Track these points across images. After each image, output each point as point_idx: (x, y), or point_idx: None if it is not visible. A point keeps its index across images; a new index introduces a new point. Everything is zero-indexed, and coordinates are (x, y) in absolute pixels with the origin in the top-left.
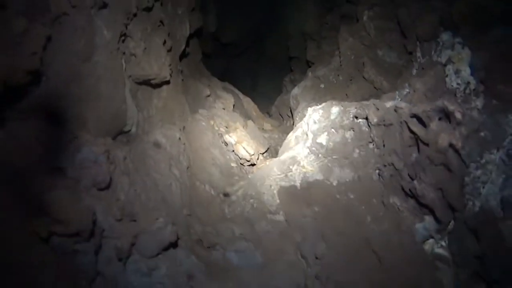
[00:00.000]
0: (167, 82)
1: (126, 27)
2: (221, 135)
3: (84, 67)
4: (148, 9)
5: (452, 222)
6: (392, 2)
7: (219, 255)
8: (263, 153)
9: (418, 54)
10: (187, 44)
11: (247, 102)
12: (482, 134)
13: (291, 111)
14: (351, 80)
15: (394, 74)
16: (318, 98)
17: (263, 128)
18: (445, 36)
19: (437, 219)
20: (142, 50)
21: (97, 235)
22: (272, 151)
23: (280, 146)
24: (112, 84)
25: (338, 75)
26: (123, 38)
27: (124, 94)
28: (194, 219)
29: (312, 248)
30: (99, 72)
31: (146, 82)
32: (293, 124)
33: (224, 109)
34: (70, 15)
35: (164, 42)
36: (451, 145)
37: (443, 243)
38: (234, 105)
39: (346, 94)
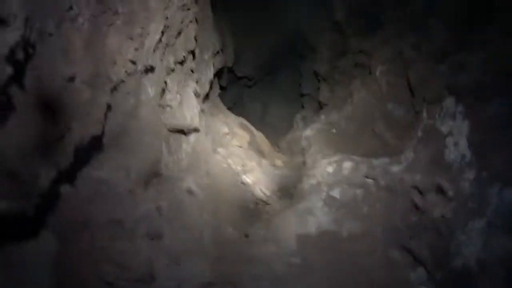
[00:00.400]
0: (197, 130)
1: (166, 83)
2: (238, 175)
3: (131, 122)
4: (182, 62)
5: (439, 275)
6: (403, 62)
7: None
8: (279, 192)
9: (424, 114)
10: (210, 86)
11: (260, 137)
12: (469, 205)
13: (302, 150)
14: (362, 130)
15: (401, 130)
16: (330, 143)
17: (274, 164)
18: (449, 103)
19: (427, 271)
20: (178, 103)
21: (155, 279)
22: (284, 189)
23: (291, 183)
24: (153, 135)
25: (350, 124)
26: (162, 93)
27: (161, 143)
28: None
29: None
30: (143, 126)
31: (179, 131)
32: (303, 163)
33: (240, 147)
34: (125, 82)
35: (195, 91)
36: (442, 216)
37: None
38: (248, 142)
39: (357, 145)
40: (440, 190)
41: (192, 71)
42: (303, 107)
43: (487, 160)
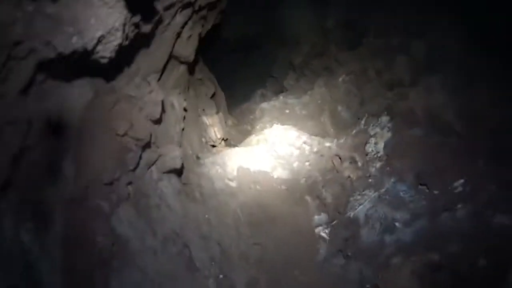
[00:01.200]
0: None
1: None
2: (200, 115)
3: None
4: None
5: (336, 220)
6: (364, 80)
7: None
8: (225, 140)
9: (362, 122)
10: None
11: (221, 96)
12: (370, 180)
13: (252, 119)
14: (311, 116)
15: (341, 127)
16: (281, 118)
17: (225, 122)
18: (385, 119)
19: (328, 215)
20: None
21: None
22: (229, 142)
23: (234, 141)
24: None
25: (302, 109)
26: None
27: None
28: None
29: (247, 212)
30: None
31: None
32: (250, 129)
33: (206, 95)
34: None
35: None
36: (348, 177)
37: (326, 231)
38: (213, 95)
39: (304, 125)
40: (354, 161)
41: None
42: (265, 86)
43: (390, 159)
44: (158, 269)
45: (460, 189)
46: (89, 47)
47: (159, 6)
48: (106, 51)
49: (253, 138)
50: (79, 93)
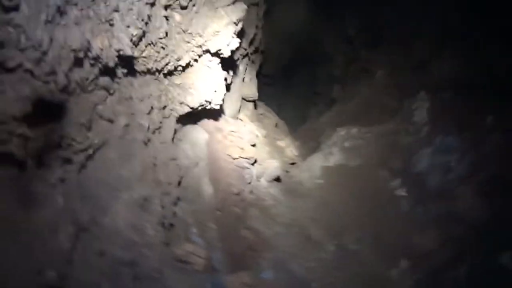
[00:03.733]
0: None
1: None
2: (275, 139)
3: None
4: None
5: (406, 179)
6: (396, 70)
7: None
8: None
9: (406, 103)
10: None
11: (282, 123)
12: (423, 141)
13: (315, 135)
14: (365, 112)
15: (389, 113)
16: (340, 124)
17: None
18: (421, 95)
19: (401, 178)
20: None
21: None
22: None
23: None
24: None
25: (355, 110)
26: None
27: None
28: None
29: (338, 195)
30: None
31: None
32: (317, 145)
33: (270, 125)
34: None
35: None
36: (408, 143)
37: (404, 190)
38: (274, 124)
39: (360, 122)
40: (407, 132)
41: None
42: (315, 104)
43: (436, 122)
44: (284, 244)
45: (489, 123)
46: (208, 99)
47: (237, 60)
48: (217, 100)
49: (325, 143)
50: (200, 133)
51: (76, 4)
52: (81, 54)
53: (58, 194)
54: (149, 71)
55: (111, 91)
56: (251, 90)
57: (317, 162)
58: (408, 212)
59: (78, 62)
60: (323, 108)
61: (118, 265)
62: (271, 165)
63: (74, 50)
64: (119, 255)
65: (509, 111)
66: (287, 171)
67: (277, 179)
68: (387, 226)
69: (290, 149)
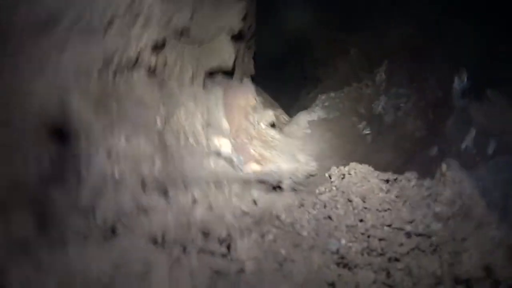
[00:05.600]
0: None
1: None
2: (271, 108)
3: None
4: None
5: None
6: (367, 47)
7: None
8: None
9: (373, 70)
10: None
11: (276, 105)
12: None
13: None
14: (343, 83)
15: (359, 79)
16: (325, 92)
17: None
18: (385, 62)
19: (367, 122)
20: None
21: None
22: None
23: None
24: None
25: (334, 83)
26: None
27: None
28: None
29: (321, 137)
30: None
31: None
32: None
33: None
34: None
35: None
36: (368, 95)
37: (368, 129)
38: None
39: (340, 89)
40: (370, 88)
41: None
42: (305, 85)
43: (391, 79)
44: (278, 161)
45: (430, 78)
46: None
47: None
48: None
49: (311, 104)
50: (218, 87)
51: None
52: None
53: None
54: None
55: None
56: (249, 67)
57: (304, 118)
58: (371, 142)
59: None
60: (311, 89)
61: None
62: (268, 113)
63: None
64: None
65: (444, 65)
66: (280, 127)
67: (273, 125)
68: (356, 152)
69: (283, 116)
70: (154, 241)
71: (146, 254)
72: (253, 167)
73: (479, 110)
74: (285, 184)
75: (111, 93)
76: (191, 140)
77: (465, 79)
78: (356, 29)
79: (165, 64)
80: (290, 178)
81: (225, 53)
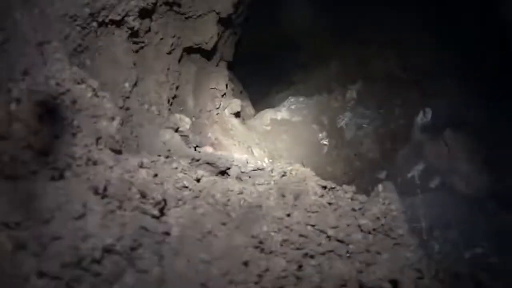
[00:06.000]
0: None
1: None
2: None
3: None
4: None
5: (330, 135)
6: (347, 62)
7: None
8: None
9: (347, 86)
10: None
11: (245, 95)
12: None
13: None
14: (313, 91)
15: (330, 91)
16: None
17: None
18: (359, 82)
19: (327, 134)
20: None
21: None
22: None
23: None
24: None
25: (305, 89)
26: None
27: None
28: None
29: (279, 137)
30: None
31: None
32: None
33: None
34: None
35: None
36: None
37: (326, 140)
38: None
39: (309, 92)
40: (338, 102)
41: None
42: (276, 84)
43: (360, 99)
44: (236, 152)
45: (397, 106)
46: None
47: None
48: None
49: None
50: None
51: None
52: None
53: None
54: None
55: None
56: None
57: (267, 115)
58: (326, 154)
59: None
60: (283, 89)
61: None
62: (235, 102)
63: None
64: None
65: (413, 99)
66: (243, 119)
67: (237, 115)
68: (309, 159)
69: (249, 109)
70: (96, 191)
71: (85, 199)
72: (206, 149)
73: (433, 147)
74: (232, 171)
75: (89, 46)
76: (153, 109)
77: (429, 117)
78: (341, 44)
79: (147, 30)
80: (238, 166)
81: (209, 33)
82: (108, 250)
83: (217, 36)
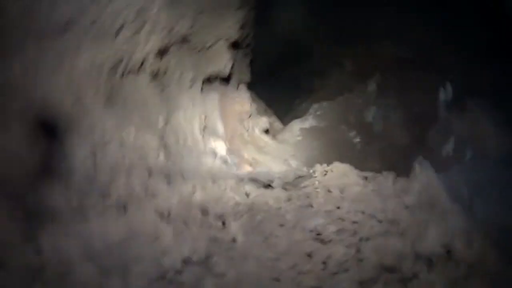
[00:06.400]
0: None
1: None
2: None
3: None
4: None
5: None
6: (361, 59)
7: None
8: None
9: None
10: None
11: (270, 112)
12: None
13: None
14: (335, 94)
15: (351, 90)
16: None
17: None
18: (376, 75)
19: (357, 131)
20: None
21: None
22: None
23: None
24: None
25: (327, 94)
26: None
27: None
28: None
29: (312, 144)
30: None
31: None
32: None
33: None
34: None
35: None
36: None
37: (358, 137)
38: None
39: (333, 99)
40: (361, 98)
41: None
42: (298, 96)
43: (380, 90)
44: (272, 166)
45: (415, 91)
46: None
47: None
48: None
49: (304, 112)
50: (215, 92)
51: None
52: None
53: None
54: None
55: None
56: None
57: (296, 126)
58: (360, 150)
59: None
60: (304, 99)
61: None
62: (262, 120)
63: None
64: None
65: (432, 78)
66: (273, 134)
67: (266, 131)
68: (346, 160)
69: (276, 123)
70: (161, 216)
71: (154, 225)
72: (246, 169)
73: (460, 120)
74: (275, 183)
75: (119, 93)
76: (189, 140)
77: (450, 91)
78: (351, 44)
79: (167, 69)
80: (280, 178)
81: (222, 60)
82: (186, 262)
83: (231, 61)
